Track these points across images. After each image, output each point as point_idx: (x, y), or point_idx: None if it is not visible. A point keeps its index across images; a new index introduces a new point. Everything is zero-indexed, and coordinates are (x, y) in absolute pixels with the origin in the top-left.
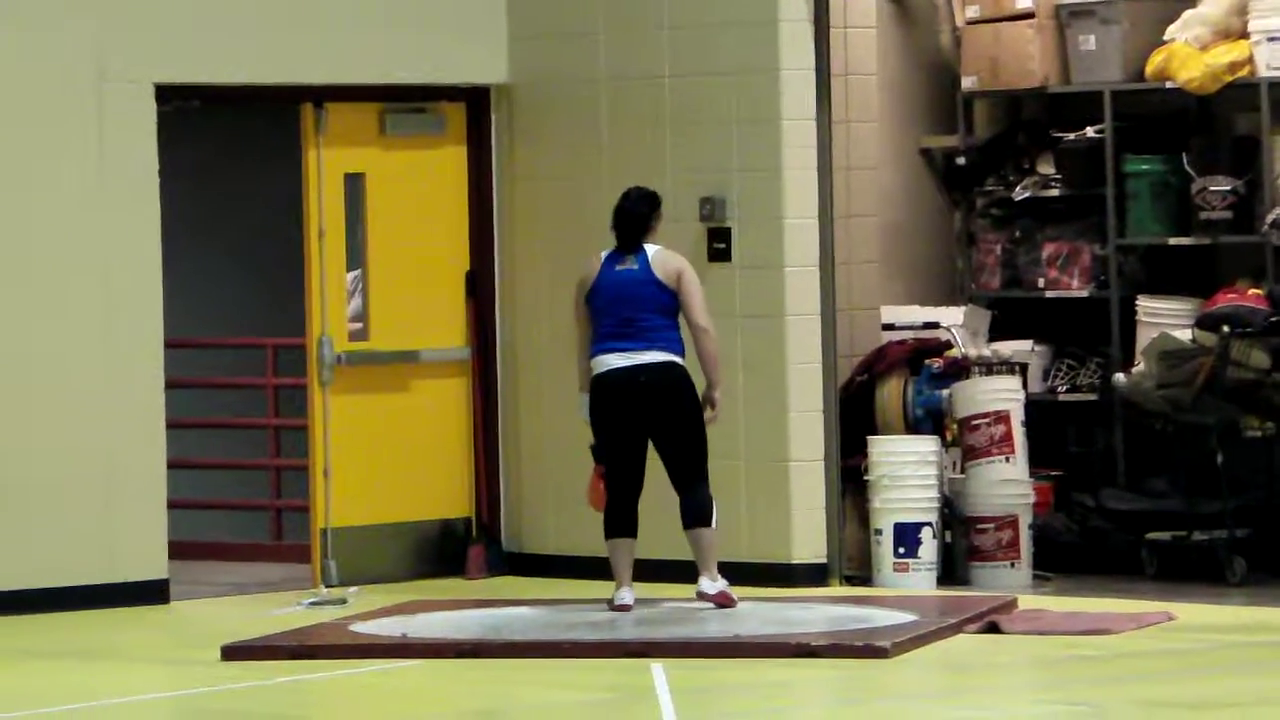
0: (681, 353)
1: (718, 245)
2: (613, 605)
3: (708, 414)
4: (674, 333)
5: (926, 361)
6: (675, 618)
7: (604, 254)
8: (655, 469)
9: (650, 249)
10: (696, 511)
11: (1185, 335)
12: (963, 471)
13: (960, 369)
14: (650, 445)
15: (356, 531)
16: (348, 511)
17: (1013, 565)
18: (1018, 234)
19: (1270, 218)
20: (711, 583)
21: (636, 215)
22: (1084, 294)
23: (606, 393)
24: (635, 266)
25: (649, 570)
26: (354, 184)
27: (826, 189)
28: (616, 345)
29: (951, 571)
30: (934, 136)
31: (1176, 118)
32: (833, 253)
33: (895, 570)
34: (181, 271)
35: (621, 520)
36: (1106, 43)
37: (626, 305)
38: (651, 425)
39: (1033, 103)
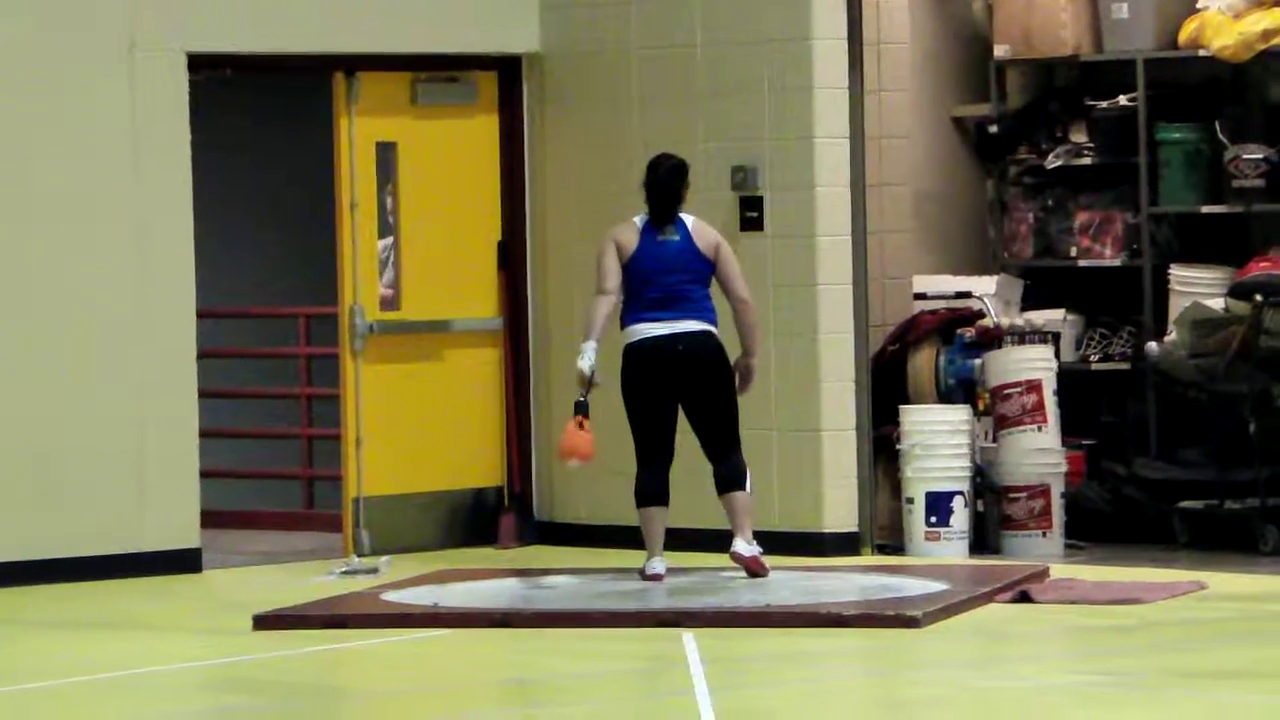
0: (716, 322)
1: (750, 214)
2: (644, 575)
3: (742, 383)
4: (710, 303)
5: (958, 331)
6: (707, 587)
7: (639, 222)
8: (685, 439)
9: (688, 219)
10: (731, 476)
11: (1218, 304)
12: (995, 440)
13: (992, 338)
14: (681, 414)
15: (388, 501)
16: (379, 481)
17: (1044, 534)
18: (1050, 203)
19: None
20: (747, 545)
21: (670, 188)
22: (1116, 263)
23: (644, 360)
24: (677, 237)
25: (681, 539)
26: (385, 153)
27: (859, 158)
28: (658, 315)
29: (983, 540)
30: (966, 105)
31: (1209, 86)
32: (865, 222)
33: (927, 539)
34: (213, 241)
35: (654, 489)
36: (1139, 10)
37: (670, 275)
38: (686, 393)
39: (1065, 71)
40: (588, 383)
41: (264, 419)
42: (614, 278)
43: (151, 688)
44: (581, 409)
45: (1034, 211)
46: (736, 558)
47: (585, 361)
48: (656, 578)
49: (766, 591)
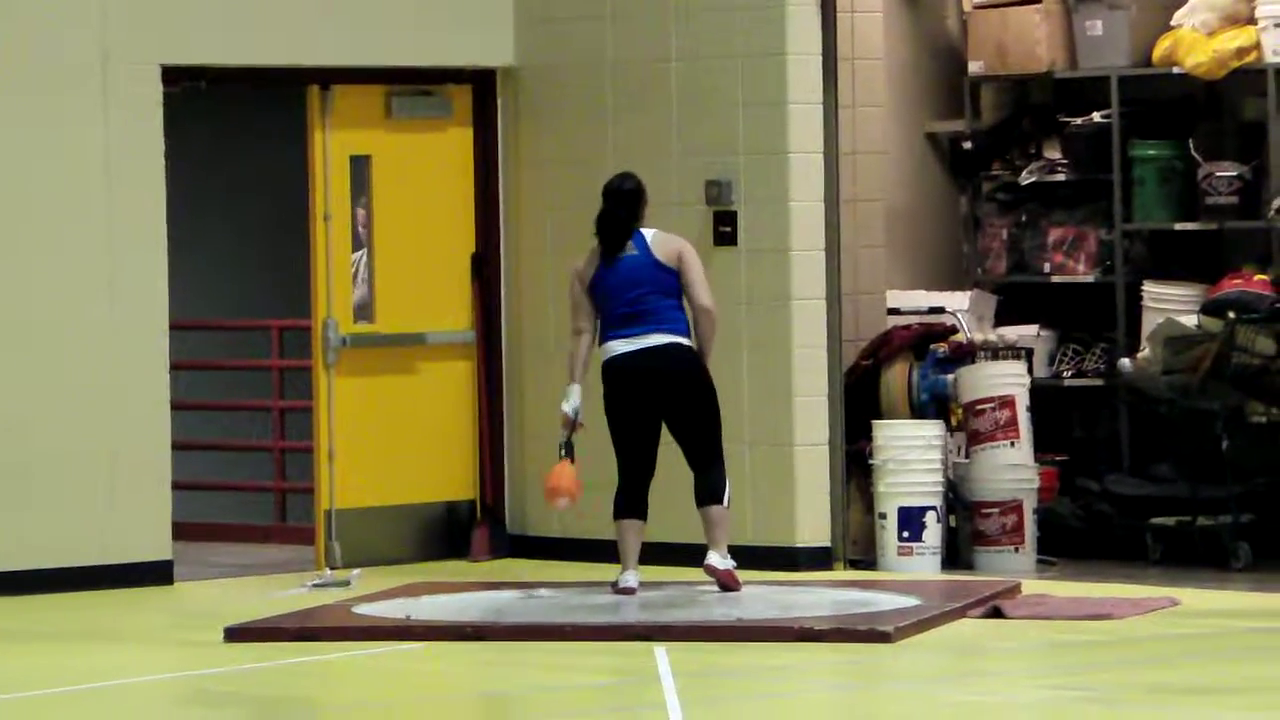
0: (688, 333)
1: (723, 228)
2: (616, 588)
3: None
4: (679, 313)
5: (932, 346)
6: (679, 601)
7: (600, 246)
8: (664, 453)
9: (647, 232)
10: (710, 490)
11: (1191, 321)
12: (967, 456)
13: (965, 353)
14: (665, 427)
15: (360, 514)
16: (352, 493)
17: (1017, 550)
18: (1024, 219)
19: (1276, 203)
20: (721, 559)
21: (618, 220)
22: (1090, 279)
23: (618, 378)
24: (635, 251)
25: (655, 553)
26: (359, 166)
27: (832, 173)
28: (624, 331)
29: (955, 556)
30: (940, 121)
31: (1183, 103)
32: (839, 237)
33: (899, 554)
34: (187, 253)
35: (632, 502)
36: (1113, 28)
37: (631, 289)
38: (665, 408)
39: (1039, 87)
40: (570, 424)
41: (236, 431)
42: (583, 315)
43: (122, 700)
44: (567, 451)
45: (1008, 227)
46: (709, 570)
47: (568, 405)
48: (629, 591)
49: (739, 606)
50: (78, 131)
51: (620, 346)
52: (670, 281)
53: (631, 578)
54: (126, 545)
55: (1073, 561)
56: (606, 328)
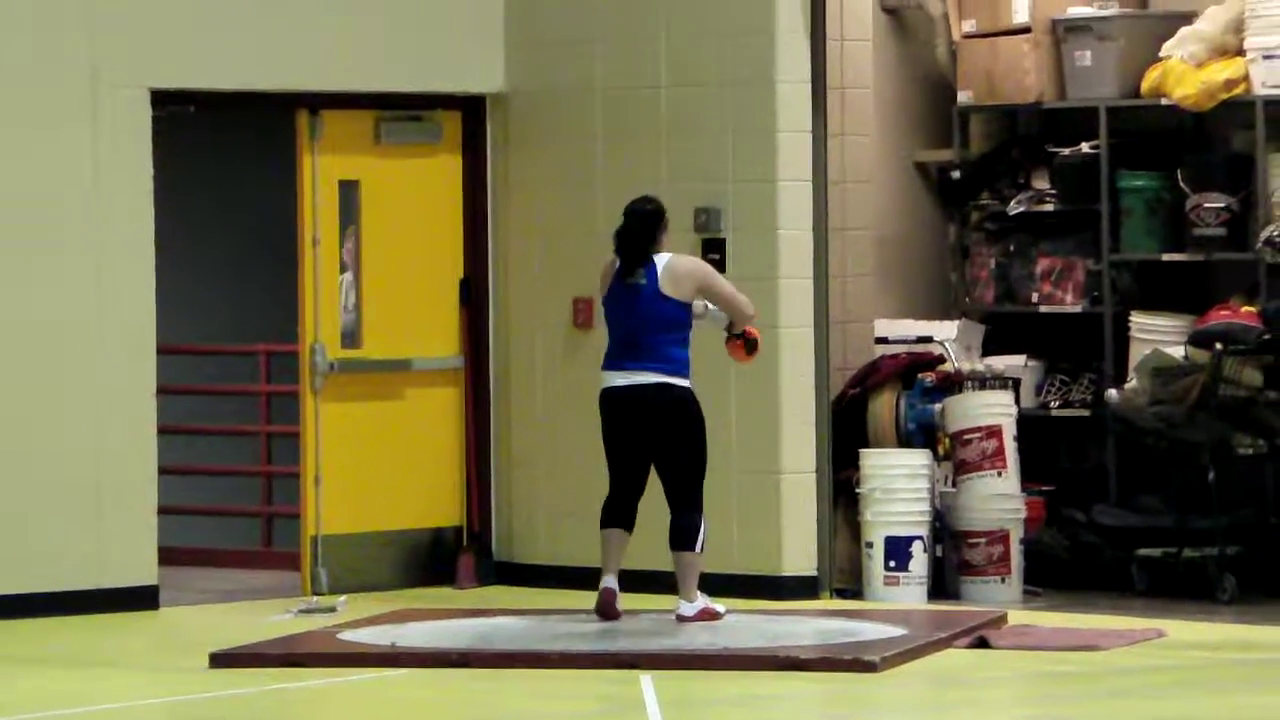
0: (681, 371)
1: (712, 256)
2: (596, 606)
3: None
4: (676, 349)
5: (919, 375)
6: (664, 629)
7: (619, 262)
8: (654, 477)
9: (660, 260)
10: (679, 534)
11: (1178, 352)
12: (954, 486)
13: (953, 383)
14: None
15: (347, 539)
16: (338, 519)
17: (1003, 580)
18: (1012, 248)
19: (1264, 235)
20: (689, 605)
21: (635, 235)
22: (1077, 309)
23: (611, 410)
24: (644, 282)
25: (639, 581)
26: (348, 191)
27: (821, 201)
28: (621, 363)
29: (942, 586)
30: (929, 150)
31: (1171, 134)
32: (827, 265)
33: (885, 584)
34: (175, 277)
35: (618, 513)
36: (1102, 58)
37: (631, 320)
38: (647, 445)
39: (1028, 118)
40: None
41: (223, 455)
42: None
43: None
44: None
45: (995, 257)
46: (682, 620)
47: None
48: (609, 593)
49: (724, 634)
50: (66, 155)
51: (615, 379)
52: (675, 314)
53: (611, 580)
54: (112, 570)
55: (1059, 592)
56: (607, 354)
